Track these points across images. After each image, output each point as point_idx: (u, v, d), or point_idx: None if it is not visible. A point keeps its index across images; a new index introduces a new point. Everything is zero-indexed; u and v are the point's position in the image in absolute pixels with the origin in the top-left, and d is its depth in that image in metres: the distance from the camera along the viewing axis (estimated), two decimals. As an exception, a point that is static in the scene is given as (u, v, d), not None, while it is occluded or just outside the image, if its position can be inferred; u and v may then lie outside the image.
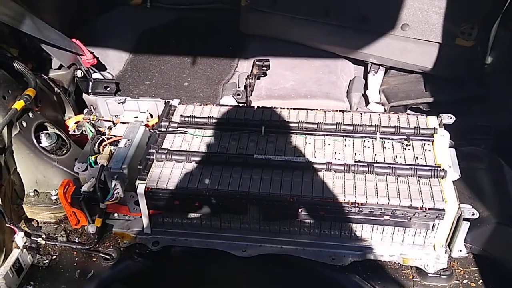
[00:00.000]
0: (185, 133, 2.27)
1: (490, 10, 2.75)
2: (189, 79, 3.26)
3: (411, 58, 2.97)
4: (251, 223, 2.12)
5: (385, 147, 2.16)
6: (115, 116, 2.53)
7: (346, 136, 2.21)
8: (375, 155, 2.13)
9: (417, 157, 2.10)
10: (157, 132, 2.24)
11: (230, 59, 3.38)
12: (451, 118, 2.24)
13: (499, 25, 2.80)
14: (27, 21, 2.54)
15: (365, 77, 3.17)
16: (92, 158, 2.17)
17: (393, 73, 3.18)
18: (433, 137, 2.16)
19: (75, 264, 2.22)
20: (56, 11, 3.25)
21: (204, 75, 3.28)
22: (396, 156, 2.12)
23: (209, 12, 3.88)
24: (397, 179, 2.01)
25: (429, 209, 1.91)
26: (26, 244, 2.17)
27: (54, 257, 2.25)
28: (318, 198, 1.96)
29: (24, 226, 2.34)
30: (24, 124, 2.35)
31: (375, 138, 2.19)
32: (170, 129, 2.27)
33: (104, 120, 2.53)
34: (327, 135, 2.22)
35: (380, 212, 1.94)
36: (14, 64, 2.40)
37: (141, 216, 2.14)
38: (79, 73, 2.89)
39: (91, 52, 2.94)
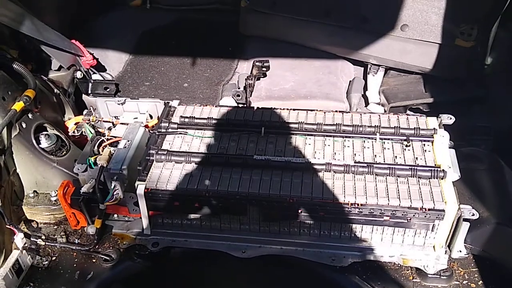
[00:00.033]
0: (184, 134, 2.26)
1: (489, 11, 2.75)
2: (189, 80, 3.26)
3: (411, 59, 2.97)
4: (251, 224, 2.12)
5: (385, 148, 2.16)
6: (115, 117, 2.54)
7: (346, 136, 2.20)
8: (375, 155, 2.12)
9: (417, 158, 2.10)
10: (157, 133, 2.24)
11: (230, 60, 3.38)
12: (450, 118, 2.24)
13: (499, 26, 2.80)
14: (26, 22, 2.54)
15: (365, 78, 3.18)
16: (92, 159, 2.17)
17: (393, 73, 3.18)
18: (433, 137, 2.16)
19: (74, 265, 2.22)
20: (55, 12, 3.25)
21: (204, 76, 3.28)
22: (396, 156, 2.11)
23: (208, 13, 3.88)
24: (397, 179, 2.01)
25: (429, 209, 1.91)
26: (26, 245, 2.17)
27: (53, 258, 2.25)
28: (317, 199, 1.96)
29: (23, 227, 2.34)
30: (24, 125, 2.35)
31: (375, 139, 2.18)
32: (169, 130, 2.27)
33: (104, 121, 2.53)
34: (326, 135, 2.21)
35: (380, 213, 1.94)
36: (14, 65, 2.40)
37: (140, 217, 2.14)
38: (78, 74, 2.89)
39: (90, 53, 2.94)
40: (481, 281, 2.07)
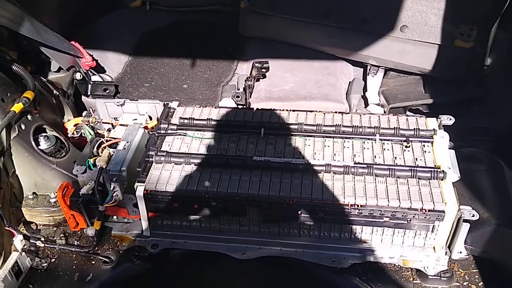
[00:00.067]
0: (184, 135, 2.26)
1: (489, 12, 2.75)
2: (188, 81, 3.26)
3: (410, 60, 2.97)
4: (251, 225, 2.11)
5: (384, 149, 2.15)
6: (114, 118, 2.53)
7: (346, 137, 2.20)
8: (375, 156, 2.12)
9: (416, 159, 2.10)
10: (156, 134, 2.24)
11: (229, 61, 3.38)
12: (450, 119, 2.24)
13: (498, 27, 2.80)
14: (26, 23, 2.54)
15: (365, 79, 3.17)
16: (91, 160, 2.18)
17: (393, 74, 3.18)
18: (433, 138, 2.16)
19: (74, 267, 2.22)
20: (55, 13, 3.25)
21: (203, 77, 3.28)
22: (395, 157, 2.11)
23: (208, 14, 3.88)
24: (396, 180, 2.01)
25: (429, 210, 1.90)
26: (25, 247, 2.16)
27: (53, 260, 2.25)
28: (317, 200, 1.96)
29: (23, 229, 2.34)
30: (23, 127, 2.35)
31: (375, 140, 2.18)
32: (169, 131, 2.27)
33: (103, 123, 2.53)
34: (326, 136, 2.21)
35: (380, 214, 1.94)
36: (13, 67, 2.39)
37: (140, 219, 2.13)
38: (78, 76, 2.89)
39: (90, 55, 2.94)
40: (481, 282, 2.07)
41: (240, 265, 2.09)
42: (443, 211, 1.90)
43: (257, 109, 2.41)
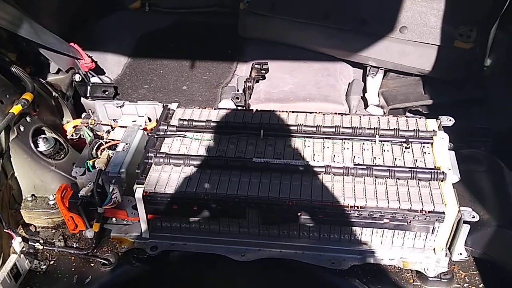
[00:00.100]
0: (183, 136, 2.26)
1: (488, 12, 2.75)
2: (188, 83, 3.25)
3: (410, 61, 2.96)
4: (250, 227, 2.10)
5: (384, 150, 2.15)
6: (113, 120, 2.53)
7: (345, 139, 2.20)
8: (374, 158, 2.12)
9: (416, 160, 2.09)
10: (155, 136, 2.23)
11: (229, 63, 3.38)
12: (450, 120, 2.24)
13: (498, 27, 2.80)
14: (25, 25, 2.53)
15: (364, 80, 3.17)
16: (90, 162, 2.17)
17: (392, 75, 3.17)
18: (433, 139, 2.15)
19: (73, 269, 2.21)
20: (54, 15, 3.25)
21: (203, 79, 3.28)
22: (395, 159, 2.11)
23: (207, 15, 3.88)
24: (396, 182, 2.00)
25: (429, 212, 1.90)
26: (24, 249, 2.15)
27: (52, 262, 2.24)
28: (317, 202, 1.95)
29: (21, 231, 2.33)
30: (22, 129, 2.34)
31: (374, 141, 2.18)
32: (168, 132, 2.27)
33: (102, 124, 2.52)
34: (326, 138, 2.21)
35: (380, 216, 1.93)
36: (12, 69, 2.39)
37: (139, 221, 2.13)
38: (77, 77, 2.89)
39: (89, 56, 2.94)
40: (482, 284, 2.06)
41: (240, 267, 2.08)
42: (443, 213, 1.89)
43: (257, 110, 2.41)
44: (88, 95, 2.91)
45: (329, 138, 2.20)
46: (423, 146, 2.15)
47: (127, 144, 2.23)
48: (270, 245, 2.10)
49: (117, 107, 2.53)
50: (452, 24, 2.81)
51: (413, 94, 3.02)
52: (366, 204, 1.93)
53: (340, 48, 3.18)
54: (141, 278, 2.18)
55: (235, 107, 2.88)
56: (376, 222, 1.96)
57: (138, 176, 2.05)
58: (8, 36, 2.63)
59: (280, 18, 3.27)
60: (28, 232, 2.35)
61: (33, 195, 2.41)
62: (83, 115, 2.72)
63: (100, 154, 2.23)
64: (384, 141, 2.18)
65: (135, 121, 2.43)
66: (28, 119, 2.39)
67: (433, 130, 2.18)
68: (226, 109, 2.43)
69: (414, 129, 2.18)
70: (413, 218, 1.92)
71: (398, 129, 2.19)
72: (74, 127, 2.58)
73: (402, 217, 1.92)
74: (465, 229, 1.90)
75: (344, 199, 1.95)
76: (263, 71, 3.02)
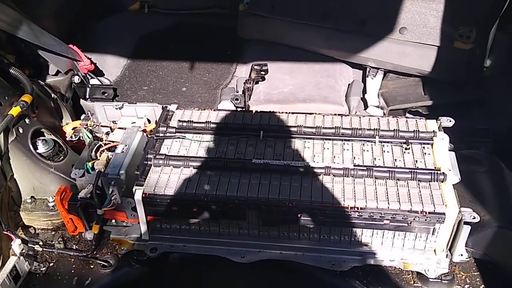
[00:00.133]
0: (183, 138, 2.25)
1: (488, 13, 2.75)
2: (187, 84, 3.25)
3: (410, 62, 2.96)
4: (250, 229, 2.10)
5: (384, 151, 2.15)
6: (113, 121, 2.53)
7: (345, 140, 2.19)
8: (374, 159, 2.11)
9: (416, 161, 2.09)
10: (155, 138, 2.23)
11: (228, 64, 3.37)
12: (450, 121, 2.23)
13: (498, 28, 2.80)
14: (24, 27, 2.53)
15: (364, 81, 3.17)
16: (89, 164, 2.16)
17: (392, 76, 3.17)
18: (433, 140, 2.15)
19: (72, 271, 2.20)
20: (53, 17, 3.25)
21: (202, 80, 3.27)
22: (395, 159, 2.10)
23: (207, 17, 3.88)
24: (396, 183, 2.00)
25: (429, 213, 1.89)
26: (23, 251, 2.15)
27: (51, 264, 2.23)
28: (317, 203, 1.95)
29: (21, 233, 2.32)
30: (21, 130, 2.34)
31: (374, 142, 2.17)
32: (167, 134, 2.26)
33: (102, 126, 2.52)
34: (326, 139, 2.20)
35: (380, 217, 1.93)
36: (11, 70, 2.39)
37: (138, 223, 2.12)
38: (76, 79, 2.88)
39: (88, 58, 2.93)
40: (483, 285, 2.06)
41: (240, 268, 2.08)
42: (444, 214, 1.89)
43: (256, 111, 2.40)
44: (87, 96, 2.91)
45: (329, 139, 2.20)
46: (423, 147, 2.15)
47: (126, 145, 2.22)
48: (270, 246, 2.10)
49: (116, 108, 2.52)
50: (451, 24, 2.81)
51: (413, 95, 3.02)
52: (366, 205, 1.93)
53: (339, 49, 3.18)
54: (141, 279, 2.18)
55: (234, 108, 2.88)
56: (377, 223, 1.95)
57: (138, 177, 2.05)
58: (7, 38, 2.62)
59: (280, 19, 3.27)
60: (27, 234, 2.34)
61: (32, 197, 2.41)
62: (82, 116, 2.71)
63: (100, 156, 2.22)
64: (384, 142, 2.17)
65: (134, 122, 2.43)
66: (27, 121, 2.39)
67: (433, 131, 2.18)
68: (225, 110, 2.43)
69: (414, 130, 2.18)
70: (414, 219, 1.91)
71: (398, 130, 2.19)
72: (73, 128, 2.57)
73: (403, 218, 1.92)
74: (465, 230, 1.89)
75: (344, 200, 1.94)
76: (262, 72, 3.01)
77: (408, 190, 1.97)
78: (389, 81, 3.17)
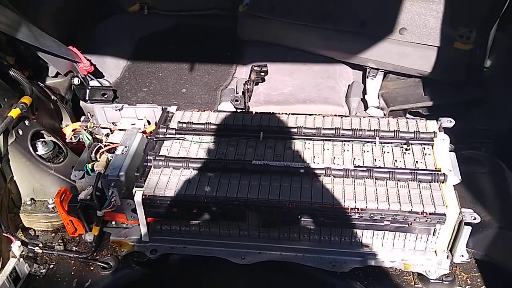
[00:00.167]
0: (182, 139, 2.25)
1: (488, 13, 2.74)
2: (187, 86, 3.25)
3: (410, 62, 2.96)
4: (250, 230, 2.10)
5: (384, 152, 2.14)
6: (113, 123, 2.53)
7: (345, 141, 2.19)
8: (375, 159, 2.11)
9: (417, 162, 2.09)
10: (155, 139, 2.22)
11: (228, 65, 3.37)
12: (450, 121, 2.23)
13: (498, 28, 2.79)
14: (23, 29, 2.53)
15: (364, 82, 3.17)
16: (89, 165, 2.16)
17: (392, 77, 3.17)
18: (433, 141, 2.15)
19: (72, 273, 2.20)
20: (53, 19, 3.25)
21: (202, 82, 3.27)
22: (395, 160, 2.10)
23: (206, 18, 3.88)
24: (397, 183, 2.00)
25: (430, 214, 1.89)
26: (23, 253, 2.15)
27: (51, 266, 2.23)
28: (317, 204, 1.94)
29: (21, 235, 2.32)
30: (20, 132, 2.34)
31: (375, 143, 2.17)
32: (167, 135, 2.26)
33: (101, 128, 2.52)
34: (326, 140, 2.20)
35: (381, 218, 1.92)
36: (10, 72, 2.39)
37: (138, 224, 2.12)
38: (76, 81, 2.89)
39: (88, 60, 2.94)
40: (483, 286, 2.05)
41: (240, 270, 2.08)
42: (444, 214, 1.88)
43: (256, 112, 2.40)
44: (87, 98, 2.91)
45: (329, 140, 2.20)
46: (424, 148, 2.14)
47: (126, 147, 2.22)
48: (271, 247, 2.09)
49: (116, 110, 2.53)
50: (451, 25, 2.80)
51: (413, 95, 3.02)
52: (366, 206, 1.92)
53: (339, 50, 3.18)
54: (141, 281, 2.18)
55: (234, 109, 2.88)
56: (377, 224, 1.95)
57: (138, 179, 2.04)
58: (6, 39, 2.62)
59: (279, 20, 3.27)
60: (27, 236, 2.34)
61: (32, 198, 2.40)
62: (82, 118, 2.71)
63: (99, 158, 2.22)
64: (384, 142, 2.17)
65: (134, 124, 2.43)
66: (26, 122, 2.39)
67: (434, 132, 2.17)
68: (225, 111, 2.43)
69: (414, 131, 2.18)
70: (414, 220, 1.91)
71: (398, 130, 2.18)
72: (73, 130, 2.57)
73: (403, 219, 1.91)
74: (466, 230, 1.89)
75: (344, 201, 1.94)
76: (262, 74, 3.01)
77: (409, 191, 1.97)
78: (389, 81, 3.17)
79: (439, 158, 2.09)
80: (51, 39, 2.72)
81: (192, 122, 2.28)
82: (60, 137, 2.56)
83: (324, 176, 2.04)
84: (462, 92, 2.92)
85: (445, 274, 2.02)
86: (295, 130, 2.22)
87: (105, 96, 2.91)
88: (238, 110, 2.86)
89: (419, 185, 1.99)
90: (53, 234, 2.37)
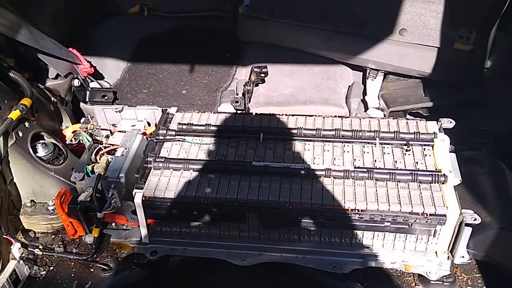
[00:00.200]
0: (182, 141, 2.25)
1: (488, 14, 2.74)
2: (187, 87, 3.25)
3: (410, 63, 2.96)
4: (250, 231, 2.09)
5: (384, 153, 2.14)
6: (113, 125, 2.53)
7: (345, 142, 2.19)
8: (375, 160, 2.11)
9: (417, 162, 2.08)
10: (155, 140, 2.22)
11: (228, 67, 3.37)
12: (450, 122, 2.23)
13: (498, 29, 2.79)
14: (23, 30, 2.53)
15: (364, 83, 3.16)
16: (89, 167, 2.16)
17: (392, 78, 3.17)
18: (433, 141, 2.15)
19: (72, 275, 2.20)
20: (53, 20, 3.25)
21: (202, 83, 3.27)
22: (396, 161, 2.10)
23: (206, 19, 3.88)
24: (397, 184, 1.99)
25: (430, 214, 1.89)
26: (23, 255, 2.15)
27: (51, 268, 2.23)
28: (317, 205, 1.94)
29: (21, 237, 2.32)
30: (20, 134, 2.34)
31: (375, 144, 2.17)
32: (167, 137, 2.26)
33: (101, 129, 2.52)
34: (326, 141, 2.20)
35: (381, 219, 1.92)
36: (10, 74, 2.39)
37: (139, 226, 2.12)
38: (76, 82, 2.88)
39: (88, 61, 2.93)
40: (484, 287, 2.05)
41: (240, 271, 2.08)
42: (445, 215, 1.88)
43: (256, 114, 2.40)
44: (87, 100, 2.90)
45: (329, 141, 2.20)
46: (424, 149, 2.14)
47: (126, 148, 2.22)
48: (271, 249, 2.09)
49: (116, 111, 2.52)
50: (451, 26, 2.80)
51: (413, 96, 3.01)
52: (367, 207, 1.92)
53: (339, 51, 3.17)
54: (141, 283, 2.17)
55: (234, 111, 2.87)
56: (377, 225, 1.95)
57: (138, 180, 2.04)
58: (6, 41, 2.62)
59: (279, 22, 3.27)
60: (27, 238, 2.34)
61: (32, 200, 2.40)
62: (82, 120, 2.71)
63: (99, 159, 2.22)
64: (385, 143, 2.17)
65: (134, 125, 2.43)
66: (26, 124, 2.39)
67: (434, 132, 2.17)
68: (225, 113, 2.43)
69: (414, 132, 2.18)
70: (415, 221, 1.91)
71: (399, 131, 2.18)
72: (73, 132, 2.57)
73: (404, 220, 1.91)
74: (467, 231, 1.88)
75: (344, 202, 1.94)
76: (262, 75, 3.01)
77: (409, 191, 1.96)
78: (389, 82, 3.17)
79: (439, 159, 2.08)
80: (51, 40, 2.72)
81: (192, 124, 2.28)
82: (60, 138, 2.56)
83: (324, 177, 2.03)
84: (462, 92, 2.91)
85: (445, 275, 2.02)
86: (295, 131, 2.22)
87: (105, 97, 2.91)
88: (238, 111, 2.86)
89: (419, 186, 1.98)
90: (53, 236, 2.37)
